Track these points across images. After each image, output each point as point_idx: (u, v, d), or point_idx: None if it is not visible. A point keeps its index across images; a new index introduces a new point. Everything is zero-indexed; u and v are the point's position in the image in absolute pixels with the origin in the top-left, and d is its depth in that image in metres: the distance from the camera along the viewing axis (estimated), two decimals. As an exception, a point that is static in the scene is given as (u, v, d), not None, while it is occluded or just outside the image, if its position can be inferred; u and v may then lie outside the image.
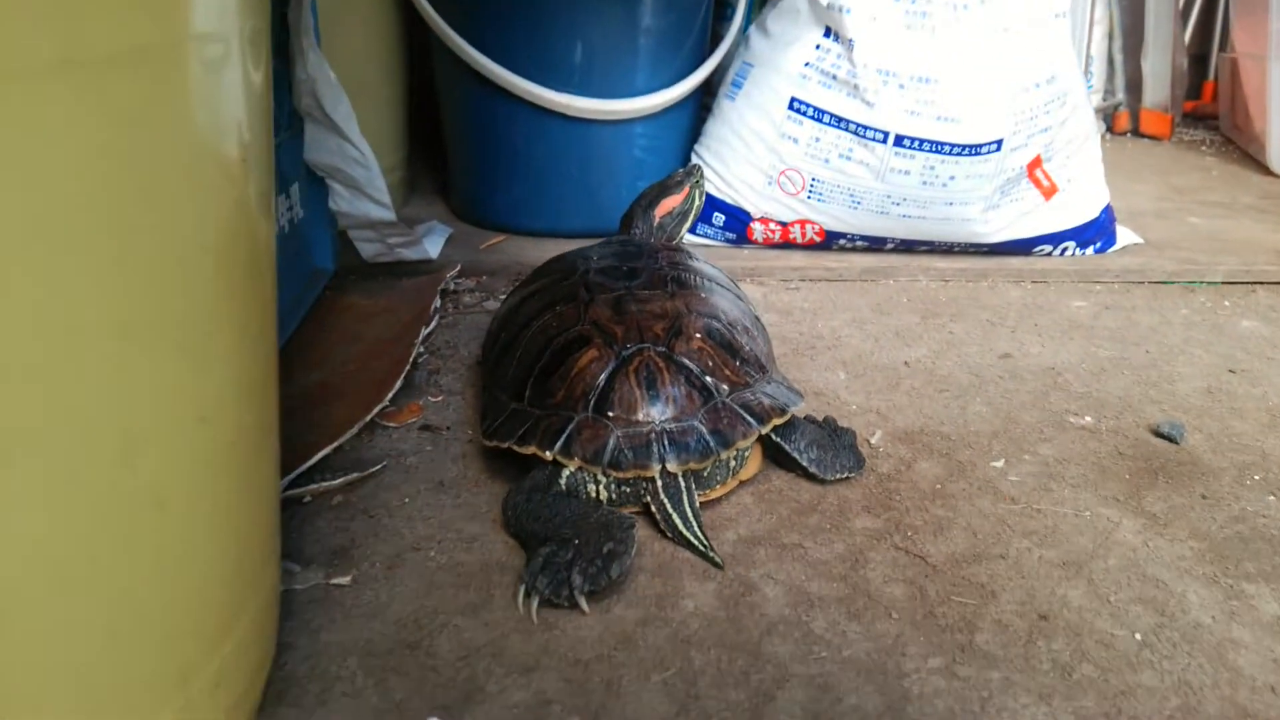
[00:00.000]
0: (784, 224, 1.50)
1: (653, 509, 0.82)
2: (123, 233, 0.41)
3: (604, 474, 0.81)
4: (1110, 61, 2.70)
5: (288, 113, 1.23)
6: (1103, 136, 2.71)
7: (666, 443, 0.81)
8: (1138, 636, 0.71)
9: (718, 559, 0.78)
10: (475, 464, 0.93)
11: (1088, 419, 1.06)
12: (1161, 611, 0.74)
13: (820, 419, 0.98)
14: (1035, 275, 1.49)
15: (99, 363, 0.41)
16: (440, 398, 1.06)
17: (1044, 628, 0.72)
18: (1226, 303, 1.43)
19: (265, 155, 0.56)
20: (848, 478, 0.91)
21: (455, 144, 1.68)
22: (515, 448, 0.83)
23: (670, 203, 1.14)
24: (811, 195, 1.46)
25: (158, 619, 0.48)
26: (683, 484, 0.82)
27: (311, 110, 1.22)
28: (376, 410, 0.96)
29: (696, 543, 0.79)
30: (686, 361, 0.86)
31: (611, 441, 0.81)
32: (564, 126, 1.53)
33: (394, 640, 0.69)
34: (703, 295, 0.94)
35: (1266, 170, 2.28)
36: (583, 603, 0.71)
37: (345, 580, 0.75)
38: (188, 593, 0.50)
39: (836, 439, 0.95)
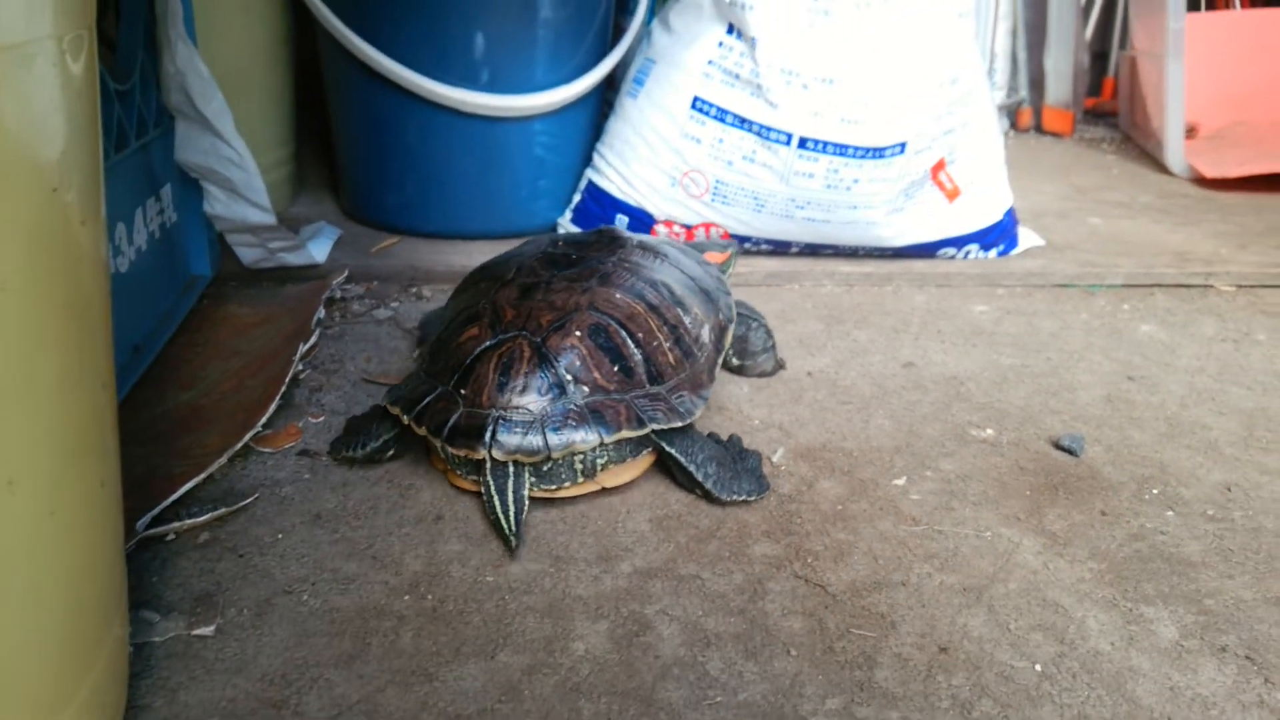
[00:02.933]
0: (688, 226, 1.47)
1: (481, 488, 0.83)
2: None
3: (442, 447, 0.84)
4: (1014, 59, 2.73)
5: (155, 109, 1.16)
6: (1006, 133, 2.74)
7: (500, 430, 0.82)
8: (1038, 668, 0.70)
9: (513, 542, 0.79)
10: (357, 492, 0.87)
11: (989, 431, 1.05)
12: (1061, 639, 0.73)
13: (725, 437, 0.95)
14: (939, 279, 1.49)
15: None
16: (322, 418, 1.00)
17: (944, 661, 0.70)
18: (1126, 306, 1.44)
19: (89, 171, 0.49)
20: (747, 501, 0.88)
21: (344, 140, 1.60)
22: (386, 405, 0.88)
23: (714, 259, 1.18)
24: (715, 198, 1.43)
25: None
26: (511, 471, 0.82)
27: (182, 107, 1.14)
28: (250, 435, 0.90)
29: (506, 529, 0.80)
30: (553, 356, 0.85)
31: (453, 418, 0.83)
32: (460, 123, 1.47)
33: (259, 699, 0.63)
34: (619, 295, 0.92)
35: (1164, 169, 2.33)
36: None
37: (209, 630, 0.69)
38: (9, 667, 0.45)
39: (740, 460, 0.92)
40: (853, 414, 1.08)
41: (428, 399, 0.86)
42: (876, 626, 0.73)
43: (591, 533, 0.83)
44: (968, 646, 0.71)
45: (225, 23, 1.43)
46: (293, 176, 1.72)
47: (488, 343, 0.87)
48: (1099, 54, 3.17)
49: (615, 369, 0.87)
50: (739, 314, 1.12)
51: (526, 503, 0.83)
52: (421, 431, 0.84)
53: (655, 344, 0.91)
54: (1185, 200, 2.06)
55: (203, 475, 0.83)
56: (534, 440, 0.81)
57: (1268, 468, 0.99)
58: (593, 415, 0.84)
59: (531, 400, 0.83)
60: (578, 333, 0.87)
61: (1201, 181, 2.20)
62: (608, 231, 1.07)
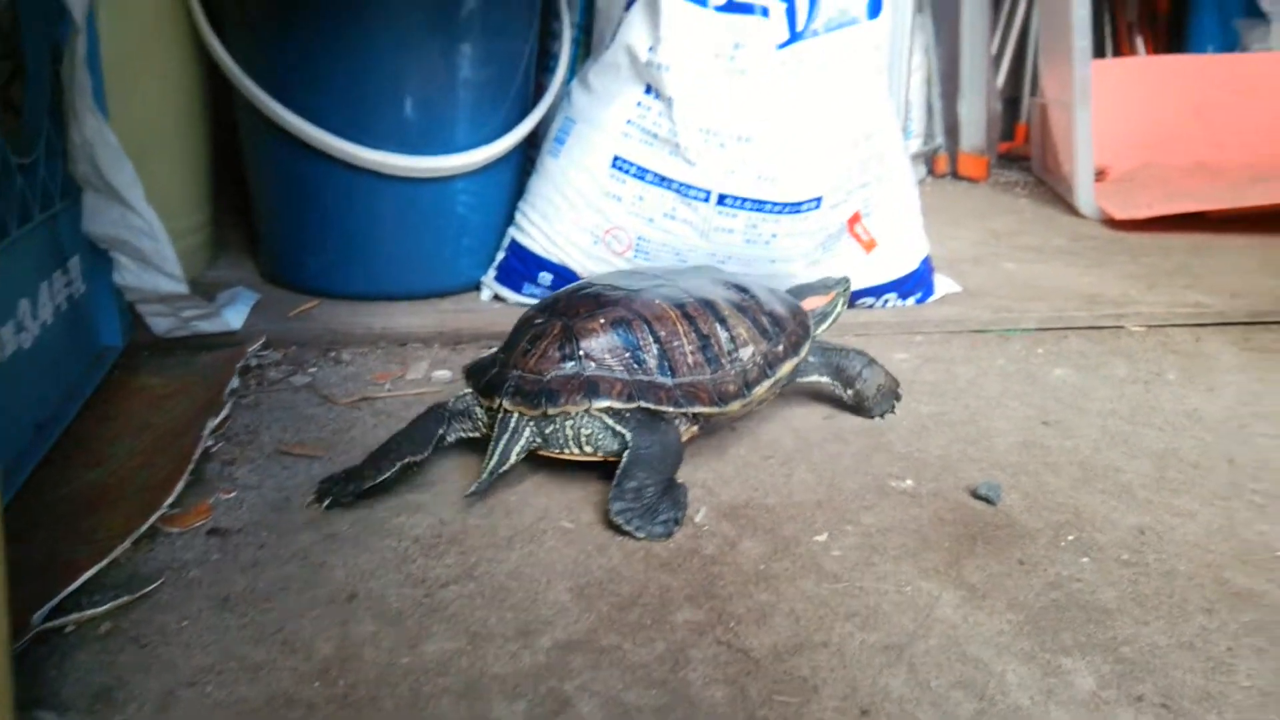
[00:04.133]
0: (611, 282, 1.47)
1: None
2: None
3: (474, 397, 1.04)
4: (929, 107, 2.80)
5: (62, 181, 1.13)
6: (924, 180, 2.81)
7: (513, 386, 0.98)
8: (958, 727, 0.70)
9: (476, 485, 0.96)
10: (268, 572, 0.85)
11: (909, 482, 1.06)
12: (981, 695, 0.73)
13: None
14: (858, 328, 1.50)
15: None
16: (234, 493, 0.98)
17: (866, 725, 0.70)
18: (1040, 350, 1.47)
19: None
20: (665, 535, 0.92)
21: (261, 203, 1.58)
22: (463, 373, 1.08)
23: (815, 302, 1.23)
24: (638, 254, 1.44)
25: None
26: (512, 425, 0.98)
27: (90, 178, 1.12)
28: (156, 516, 0.87)
29: (485, 471, 0.97)
30: (576, 336, 1.00)
31: (489, 375, 1.02)
32: (380, 185, 1.47)
33: (158, 799, 0.61)
34: (658, 301, 1.05)
35: (1076, 211, 2.40)
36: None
37: (107, 727, 0.67)
38: None
39: (669, 492, 0.96)
40: (775, 469, 1.08)
41: (485, 362, 1.06)
42: (799, 691, 0.73)
43: (510, 606, 0.81)
44: (889, 708, 0.71)
45: (138, 86, 1.41)
46: (210, 240, 1.70)
47: (536, 322, 1.04)
48: (1011, 100, 3.26)
49: (628, 355, 1.01)
50: (829, 348, 1.20)
51: (511, 460, 0.98)
52: (469, 387, 1.04)
53: (677, 344, 1.03)
54: (1096, 242, 2.12)
55: (105, 561, 0.81)
56: (535, 398, 0.96)
57: (1179, 509, 1.02)
58: (589, 385, 0.97)
59: (546, 366, 0.99)
60: (603, 320, 1.01)
61: (1111, 223, 2.27)
62: (705, 267, 1.28)
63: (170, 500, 0.90)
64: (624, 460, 0.97)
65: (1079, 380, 1.36)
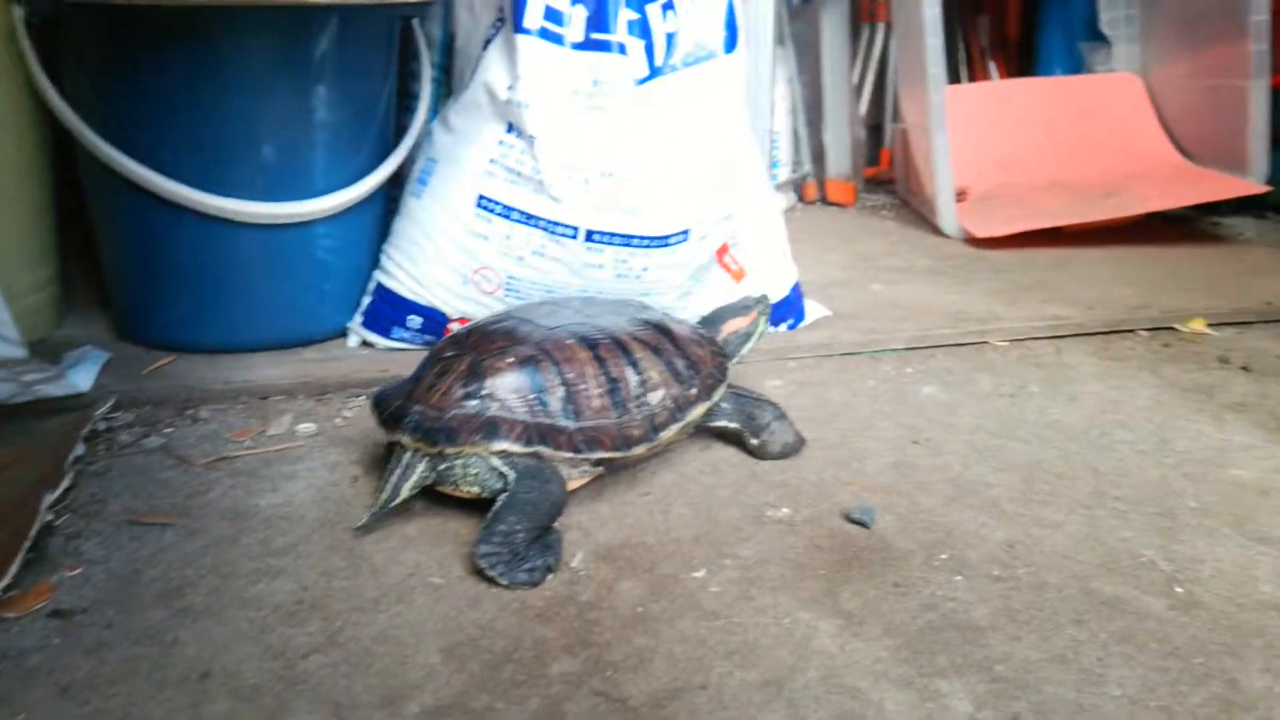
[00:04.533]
0: (483, 323, 1.45)
1: None
2: None
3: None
4: (796, 136, 2.85)
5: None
6: (794, 206, 2.86)
7: (414, 422, 0.98)
8: (838, 761, 0.69)
9: (367, 517, 0.97)
10: (115, 654, 0.79)
11: (785, 511, 1.06)
12: (860, 727, 0.73)
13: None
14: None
15: None
16: (79, 569, 0.91)
17: (746, 768, 0.68)
18: (909, 369, 1.50)
19: None
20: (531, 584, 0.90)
21: (111, 256, 1.51)
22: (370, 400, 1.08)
23: (736, 324, 1.24)
24: (509, 293, 1.41)
25: None
26: (405, 460, 0.98)
27: (-92, 240, 1.04)
28: (-13, 601, 0.81)
29: (376, 503, 0.98)
30: (483, 373, 1.00)
31: (392, 407, 1.02)
32: (236, 233, 1.41)
33: None
34: (570, 340, 1.05)
35: (939, 232, 2.47)
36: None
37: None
38: None
39: (542, 539, 0.94)
40: (653, 505, 1.07)
41: (395, 394, 1.04)
42: (677, 737, 0.71)
43: (377, 673, 0.78)
44: (769, 747, 0.70)
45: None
46: (58, 298, 1.61)
47: (446, 355, 1.04)
48: (875, 127, 3.36)
49: (533, 396, 1.00)
50: (744, 396, 1.19)
51: (403, 495, 0.98)
52: (374, 418, 1.04)
53: (584, 386, 1.02)
54: (959, 261, 2.19)
55: (-73, 656, 0.74)
56: (434, 435, 0.96)
57: (1046, 521, 1.04)
58: (489, 425, 0.97)
59: (449, 403, 0.98)
60: (510, 359, 1.01)
61: (974, 242, 2.34)
62: (631, 300, 1.26)
63: (6, 582, 0.83)
64: (498, 503, 0.95)
65: (947, 397, 1.39)
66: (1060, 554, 0.97)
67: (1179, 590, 0.91)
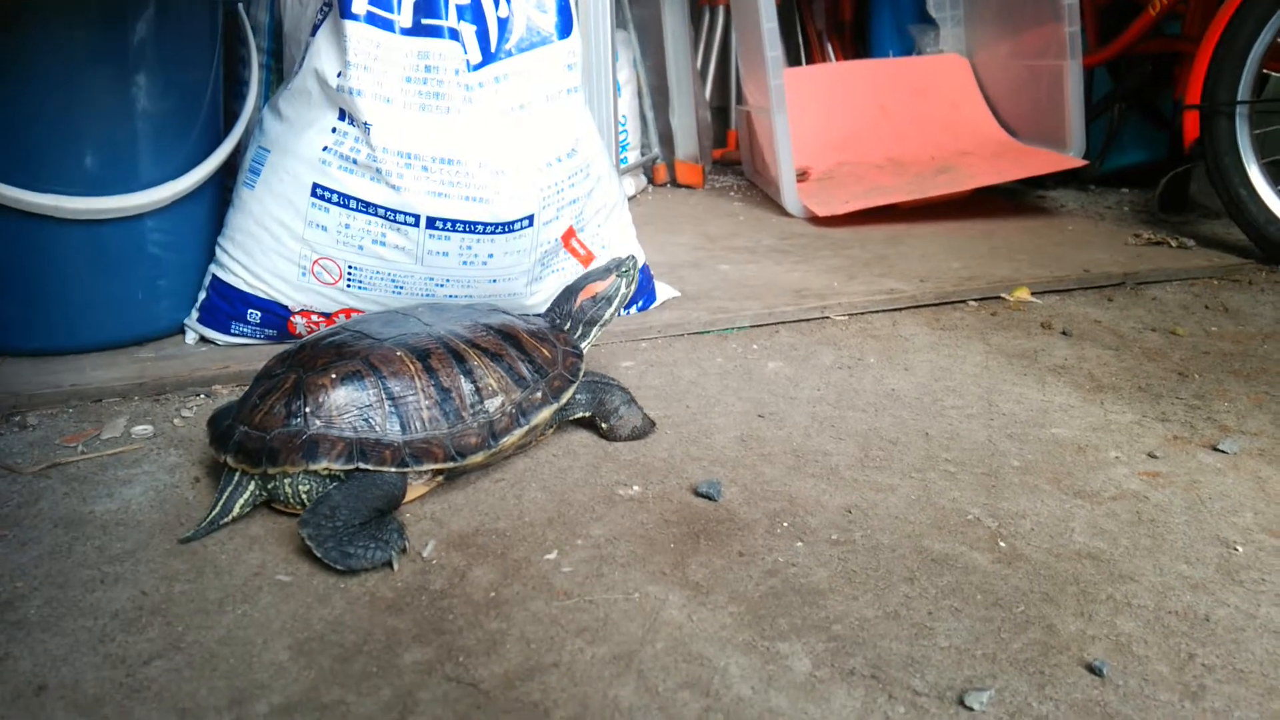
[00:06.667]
0: (326, 315, 1.42)
1: None
2: None
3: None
4: (643, 118, 2.89)
5: None
6: (645, 189, 2.89)
7: (238, 443, 0.98)
8: (686, 727, 0.72)
9: (193, 532, 0.96)
10: (-67, 677, 0.75)
11: (636, 489, 1.08)
12: (707, 692, 0.75)
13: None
14: (585, 340, 1.52)
15: None
16: (-110, 592, 0.86)
17: (597, 740, 0.70)
18: (755, 346, 1.55)
19: None
20: (368, 569, 0.91)
21: (-83, 260, 1.41)
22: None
23: (594, 288, 1.25)
24: (351, 283, 1.39)
25: None
26: (235, 479, 0.99)
27: None
28: None
29: (206, 518, 0.97)
30: (306, 392, 0.99)
31: (221, 428, 1.03)
32: (56, 229, 1.34)
33: None
34: (399, 353, 1.03)
35: (783, 211, 2.54)
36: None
37: None
38: None
39: (372, 526, 0.94)
40: (506, 490, 1.08)
41: (223, 419, 1.04)
42: (530, 717, 0.72)
43: (223, 674, 0.76)
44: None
45: None
46: None
47: (275, 374, 1.03)
48: (721, 109, 3.42)
49: (356, 412, 0.99)
50: (597, 382, 1.21)
51: (235, 512, 0.98)
52: (207, 436, 1.04)
53: (412, 398, 1.01)
54: (803, 240, 2.26)
55: None
56: (256, 456, 0.96)
57: (881, 485, 1.09)
58: (309, 444, 0.96)
59: (272, 423, 0.98)
60: (334, 375, 1.00)
61: (816, 220, 2.42)
62: (481, 305, 1.22)
63: None
64: (310, 507, 0.95)
65: (791, 371, 1.44)
66: (894, 516, 1.02)
67: (1002, 545, 0.97)
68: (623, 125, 2.70)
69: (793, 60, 3.52)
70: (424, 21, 1.31)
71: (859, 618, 0.85)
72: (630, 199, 2.71)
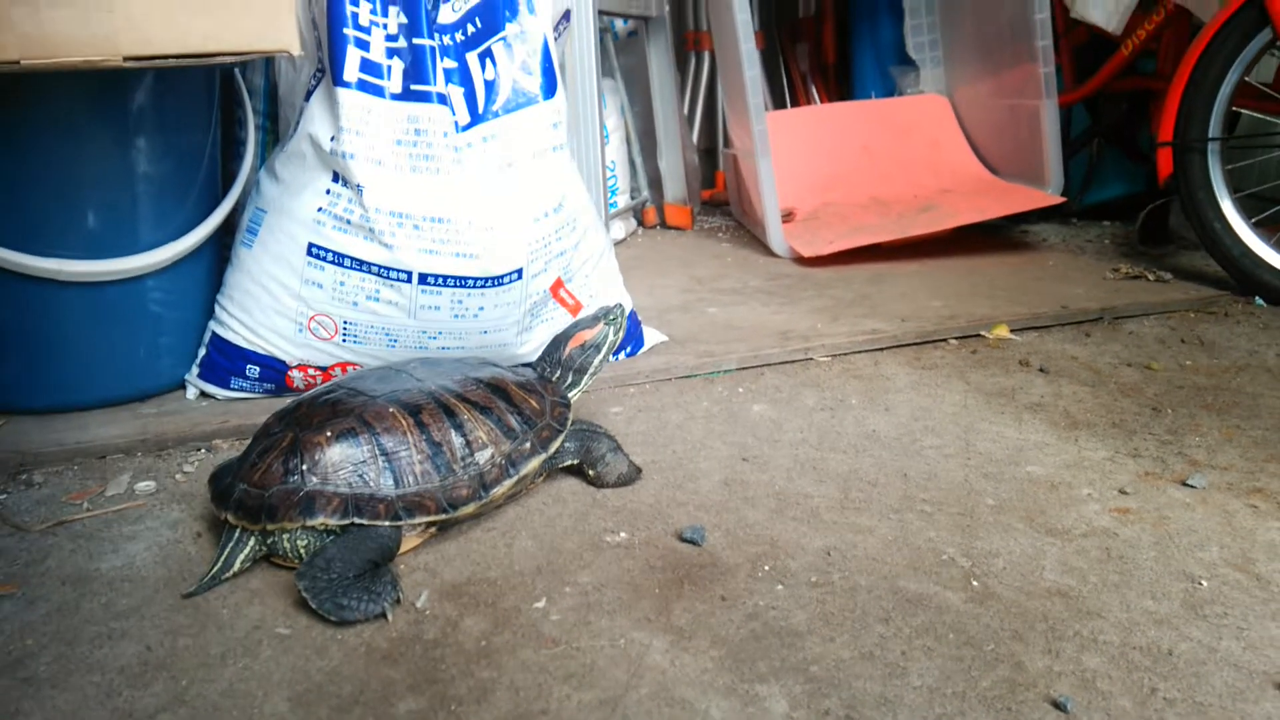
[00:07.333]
0: (323, 369, 1.46)
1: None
2: None
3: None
4: (631, 163, 2.94)
5: None
6: (635, 232, 2.94)
7: (237, 500, 1.02)
8: (668, 769, 0.75)
9: (195, 587, 0.99)
10: (-51, 735, 0.79)
11: (623, 535, 1.12)
12: (689, 735, 0.79)
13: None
14: (574, 387, 1.57)
15: None
16: (-94, 652, 0.90)
17: (583, 783, 0.73)
18: (741, 389, 1.59)
19: None
20: (362, 620, 0.94)
21: (-74, 322, 1.46)
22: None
23: (583, 336, 1.28)
24: (346, 338, 1.44)
25: None
26: (236, 536, 1.02)
27: None
28: None
29: (208, 573, 1.01)
30: (302, 450, 1.03)
31: (221, 485, 1.07)
32: (60, 291, 1.39)
33: None
34: (392, 409, 1.08)
35: (770, 251, 2.59)
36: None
37: None
38: None
39: (367, 578, 0.98)
40: (497, 539, 1.11)
41: (224, 477, 1.08)
42: (519, 761, 0.76)
43: (224, 726, 0.80)
44: (605, 762, 0.76)
45: None
46: None
47: (273, 432, 1.07)
48: (708, 151, 3.49)
49: (351, 468, 1.03)
50: (584, 430, 1.25)
51: (235, 567, 1.02)
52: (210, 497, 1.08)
53: (405, 453, 1.05)
54: (788, 280, 2.30)
55: None
56: (255, 513, 1.00)
57: (860, 526, 1.13)
58: (306, 501, 1.00)
59: (270, 480, 1.02)
60: (329, 433, 1.04)
61: (801, 260, 2.47)
62: (471, 359, 1.26)
63: None
64: (306, 561, 1.00)
65: (775, 414, 1.48)
66: (872, 557, 1.06)
67: (975, 584, 1.00)
68: (611, 171, 2.76)
69: (778, 101, 3.59)
70: (413, 87, 1.37)
71: (835, 659, 0.88)
72: (620, 242, 2.76)
